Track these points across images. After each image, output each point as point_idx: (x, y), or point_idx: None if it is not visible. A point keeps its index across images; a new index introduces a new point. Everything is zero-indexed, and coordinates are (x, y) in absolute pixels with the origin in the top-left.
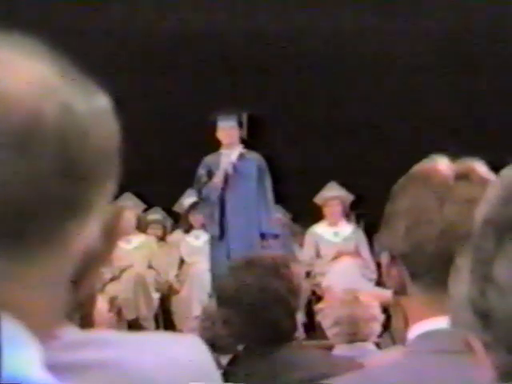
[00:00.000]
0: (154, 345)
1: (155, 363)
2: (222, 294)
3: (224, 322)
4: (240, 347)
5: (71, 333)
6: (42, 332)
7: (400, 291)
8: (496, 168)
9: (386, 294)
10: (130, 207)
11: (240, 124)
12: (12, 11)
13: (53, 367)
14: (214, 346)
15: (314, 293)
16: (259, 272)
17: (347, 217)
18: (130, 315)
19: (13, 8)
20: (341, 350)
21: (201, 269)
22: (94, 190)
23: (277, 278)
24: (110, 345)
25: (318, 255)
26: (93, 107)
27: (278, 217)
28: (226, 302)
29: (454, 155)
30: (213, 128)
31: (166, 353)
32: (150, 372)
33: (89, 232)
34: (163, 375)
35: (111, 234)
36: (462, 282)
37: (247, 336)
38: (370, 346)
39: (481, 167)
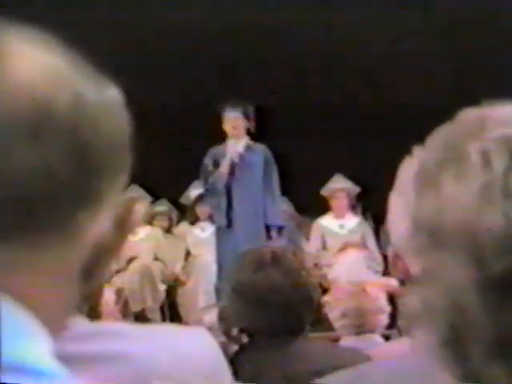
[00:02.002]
0: (163, 337)
1: (164, 356)
2: (249, 292)
3: (244, 317)
4: (245, 338)
5: (80, 324)
6: (53, 322)
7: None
8: None
9: (392, 282)
10: (138, 199)
11: (246, 116)
12: (24, 4)
13: (61, 358)
14: (228, 335)
15: (320, 285)
16: (287, 269)
17: (353, 209)
18: (136, 307)
19: (25, 1)
20: (347, 341)
21: (207, 260)
22: (106, 180)
23: (302, 274)
24: (119, 337)
25: (324, 247)
26: (104, 98)
27: (284, 209)
28: (252, 299)
29: None
30: (219, 120)
31: (175, 345)
32: (158, 364)
33: (100, 223)
34: (172, 368)
35: (123, 226)
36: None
37: (261, 329)
38: (377, 337)
39: None
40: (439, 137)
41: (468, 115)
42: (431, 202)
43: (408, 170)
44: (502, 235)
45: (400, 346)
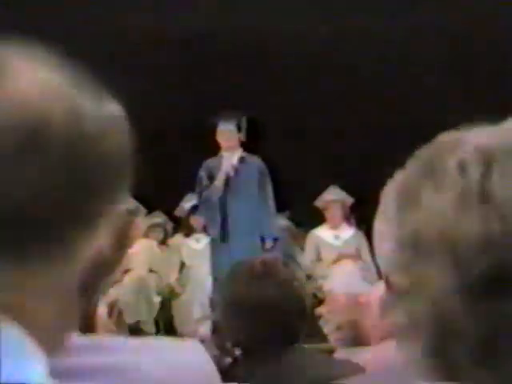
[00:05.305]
0: (155, 350)
1: (156, 368)
2: (242, 305)
3: (237, 330)
4: (238, 351)
5: (73, 338)
6: (50, 339)
7: None
8: None
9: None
10: (133, 211)
11: (239, 128)
12: (21, 16)
13: (54, 373)
14: (222, 348)
15: (314, 296)
16: (279, 280)
17: (348, 220)
18: (130, 319)
19: (22, 13)
20: (342, 353)
21: (202, 272)
22: (102, 197)
23: (294, 285)
24: (112, 350)
25: (318, 258)
26: (103, 114)
27: (279, 220)
28: (245, 312)
29: None
30: (213, 131)
31: (167, 358)
32: (150, 377)
33: (97, 240)
34: (164, 380)
35: (121, 241)
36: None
37: (256, 341)
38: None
39: None
40: (418, 157)
41: (445, 136)
42: (412, 216)
43: (390, 192)
44: (479, 239)
45: (386, 351)
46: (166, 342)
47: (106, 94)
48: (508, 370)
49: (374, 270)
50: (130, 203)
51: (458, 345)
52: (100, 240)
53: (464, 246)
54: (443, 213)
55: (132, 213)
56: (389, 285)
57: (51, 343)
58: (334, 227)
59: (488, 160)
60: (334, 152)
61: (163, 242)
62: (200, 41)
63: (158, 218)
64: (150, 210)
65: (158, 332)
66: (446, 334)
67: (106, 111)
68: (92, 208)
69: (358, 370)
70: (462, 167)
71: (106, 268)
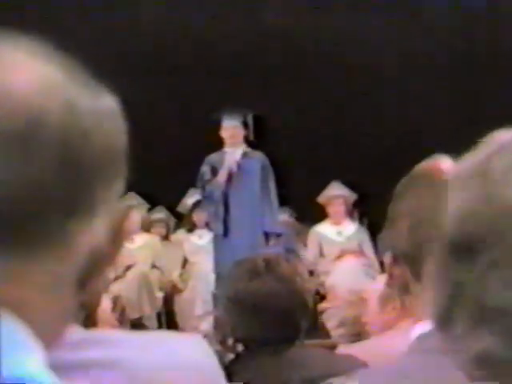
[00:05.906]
0: (158, 344)
1: (159, 363)
2: (244, 301)
3: (239, 326)
4: (240, 347)
5: (75, 332)
6: (48, 331)
7: (403, 291)
8: None
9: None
10: (135, 206)
11: (245, 124)
12: (17, 11)
13: (56, 366)
14: (224, 345)
15: (317, 292)
16: (281, 276)
17: (351, 216)
18: (133, 314)
19: (18, 8)
20: (344, 348)
21: (204, 268)
22: (99, 190)
23: (297, 281)
24: (114, 344)
25: (321, 254)
26: (98, 107)
27: (281, 216)
28: (247, 308)
29: (456, 154)
30: (217, 127)
31: (170, 352)
32: (153, 371)
33: (94, 232)
34: (167, 375)
35: (118, 234)
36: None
37: (257, 338)
38: None
39: None
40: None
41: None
42: None
43: None
44: (460, 211)
45: (386, 343)
46: (168, 335)
47: (102, 88)
48: (457, 332)
49: (376, 265)
50: (133, 198)
51: (460, 304)
52: (97, 233)
53: (450, 215)
54: (448, 186)
55: (128, 206)
56: (395, 269)
57: (50, 336)
58: (337, 223)
59: (500, 146)
60: (336, 148)
61: (166, 238)
62: (207, 38)
63: (161, 213)
64: (153, 205)
65: (160, 327)
66: (449, 293)
67: (102, 105)
68: (89, 201)
69: (359, 365)
70: (480, 151)
71: (102, 261)
